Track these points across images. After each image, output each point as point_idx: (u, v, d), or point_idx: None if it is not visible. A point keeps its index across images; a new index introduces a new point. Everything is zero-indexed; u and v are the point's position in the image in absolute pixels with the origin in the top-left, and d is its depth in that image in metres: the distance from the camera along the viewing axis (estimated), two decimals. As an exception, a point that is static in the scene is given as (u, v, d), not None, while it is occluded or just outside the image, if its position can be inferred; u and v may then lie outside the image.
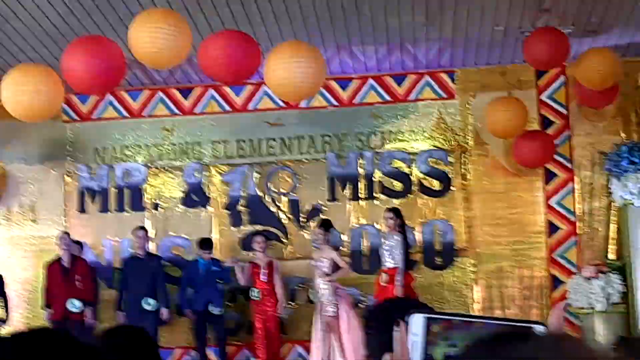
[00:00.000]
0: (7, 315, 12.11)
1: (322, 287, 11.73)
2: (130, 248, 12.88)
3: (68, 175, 13.50)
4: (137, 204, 13.37)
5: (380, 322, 1.96)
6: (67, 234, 12.44)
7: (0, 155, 13.58)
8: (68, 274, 12.05)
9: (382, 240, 12.01)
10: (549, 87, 13.03)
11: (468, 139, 13.11)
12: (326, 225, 12.06)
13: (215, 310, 12.19)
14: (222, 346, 12.34)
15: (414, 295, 11.26)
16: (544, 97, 13.02)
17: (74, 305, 11.85)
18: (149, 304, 12.05)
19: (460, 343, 1.32)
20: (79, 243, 12.67)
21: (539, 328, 1.35)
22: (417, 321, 1.32)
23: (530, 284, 12.70)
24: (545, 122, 12.94)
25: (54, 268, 12.12)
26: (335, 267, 11.77)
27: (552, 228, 12.79)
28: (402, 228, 11.71)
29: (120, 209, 13.40)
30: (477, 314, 12.11)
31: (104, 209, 13.42)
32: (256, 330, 12.16)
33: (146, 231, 12.58)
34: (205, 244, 12.46)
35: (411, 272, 11.80)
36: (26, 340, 1.25)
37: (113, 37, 10.34)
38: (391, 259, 11.50)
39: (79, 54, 9.50)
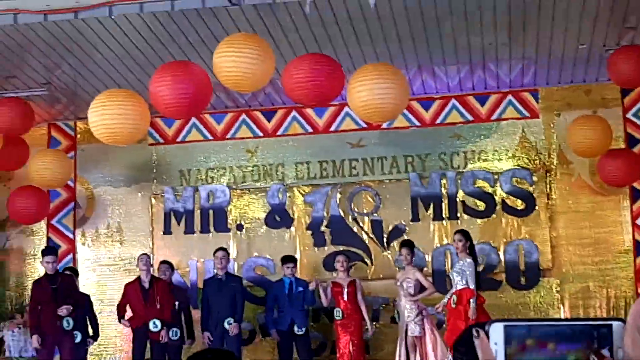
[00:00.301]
0: (96, 333, 12.33)
1: (407, 307, 11.71)
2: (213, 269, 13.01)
3: (154, 197, 13.71)
4: (222, 225, 13.51)
5: (469, 347, 1.97)
6: (147, 255, 12.60)
7: (89, 178, 13.86)
8: (147, 293, 12.20)
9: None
10: (635, 105, 12.86)
11: (552, 158, 13.00)
12: (409, 245, 12.03)
13: (299, 330, 12.24)
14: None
15: (487, 317, 11.15)
16: (629, 115, 12.85)
17: (156, 325, 11.99)
18: (230, 323, 12.13)
19: None
20: (169, 264, 12.80)
21: (617, 324, 1.36)
22: (496, 330, 1.35)
23: (617, 304, 12.51)
24: (631, 141, 12.76)
25: (134, 287, 12.30)
26: (420, 288, 11.75)
27: (638, 247, 12.59)
28: (471, 250, 11.61)
29: (205, 230, 13.55)
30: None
31: (189, 230, 13.58)
32: (339, 350, 12.17)
33: (227, 252, 12.68)
34: (288, 259, 12.52)
35: (480, 293, 11.65)
36: None
37: (198, 61, 10.51)
38: (462, 281, 11.39)
39: (166, 79, 9.66)
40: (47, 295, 11.62)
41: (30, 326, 11.84)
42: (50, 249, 12.40)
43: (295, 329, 12.21)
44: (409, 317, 11.67)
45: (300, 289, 12.36)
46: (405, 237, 12.70)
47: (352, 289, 12.20)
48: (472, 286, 11.25)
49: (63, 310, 11.56)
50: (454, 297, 11.34)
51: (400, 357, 11.76)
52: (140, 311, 12.18)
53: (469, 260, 11.41)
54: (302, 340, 12.30)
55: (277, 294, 12.43)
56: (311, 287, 12.30)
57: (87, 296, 12.52)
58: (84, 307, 12.18)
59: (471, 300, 11.16)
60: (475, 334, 1.28)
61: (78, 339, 11.88)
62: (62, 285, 11.71)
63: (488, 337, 1.32)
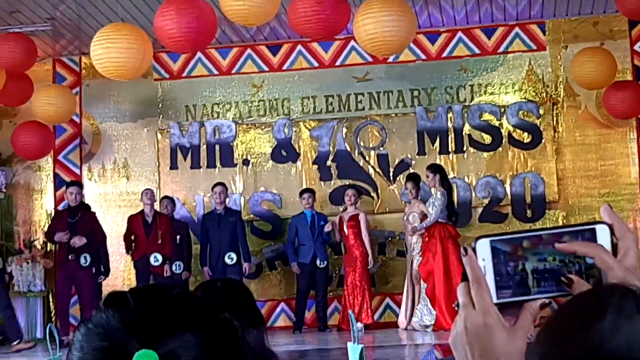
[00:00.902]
0: (107, 269, 12.40)
1: (413, 240, 11.77)
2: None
3: (160, 133, 13.71)
4: (228, 160, 13.53)
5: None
6: (151, 190, 12.68)
7: (94, 114, 13.85)
8: (150, 228, 12.29)
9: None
10: (643, 37, 12.79)
11: (559, 91, 12.97)
12: (415, 179, 12.06)
13: (322, 263, 12.33)
14: (325, 298, 12.47)
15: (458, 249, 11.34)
16: (637, 47, 12.78)
17: (157, 259, 12.11)
18: (231, 258, 12.22)
19: (549, 257, 1.37)
20: (171, 199, 12.89)
21: (600, 227, 1.38)
22: (483, 246, 1.37)
23: (623, 236, 12.53)
24: (638, 73, 12.71)
25: (137, 220, 12.43)
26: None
27: (645, 179, 12.62)
28: (444, 183, 11.67)
29: (211, 165, 13.57)
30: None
31: (195, 165, 13.61)
32: (345, 283, 12.28)
33: (225, 187, 12.71)
34: (305, 191, 12.57)
35: (453, 226, 11.74)
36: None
37: (203, -5, 10.41)
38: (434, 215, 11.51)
39: (171, 12, 9.62)
40: (63, 227, 11.66)
41: (48, 239, 12.02)
42: (75, 181, 12.59)
43: (318, 262, 12.30)
44: (414, 250, 11.74)
45: (322, 222, 12.42)
46: (412, 171, 12.72)
47: (353, 223, 12.25)
48: (433, 217, 11.44)
49: (75, 242, 11.67)
50: (414, 213, 11.52)
51: (407, 291, 11.86)
52: (142, 244, 12.32)
53: (439, 193, 11.52)
54: (322, 273, 12.39)
55: (298, 227, 12.48)
56: (327, 228, 12.36)
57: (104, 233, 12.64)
58: (102, 244, 12.26)
59: (423, 224, 11.44)
60: (462, 252, 1.30)
61: (94, 275, 11.94)
62: (80, 220, 11.74)
63: (476, 255, 1.34)
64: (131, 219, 12.53)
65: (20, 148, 12.83)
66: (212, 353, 1.24)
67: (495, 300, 1.32)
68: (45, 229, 12.94)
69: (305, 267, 12.38)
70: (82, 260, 11.66)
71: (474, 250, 1.34)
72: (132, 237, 12.48)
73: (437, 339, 10.12)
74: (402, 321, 11.85)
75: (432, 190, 11.74)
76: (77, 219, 11.78)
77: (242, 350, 1.29)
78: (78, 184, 12.47)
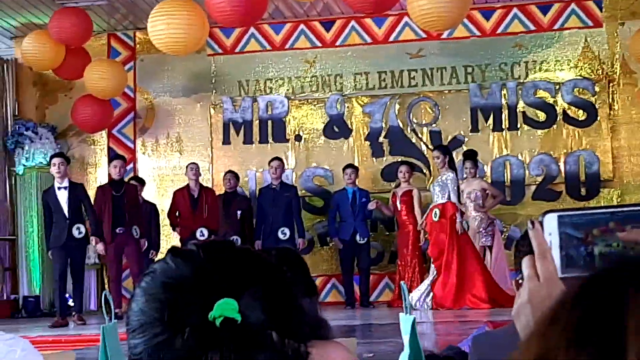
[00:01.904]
0: (157, 244, 12.48)
1: (476, 217, 11.70)
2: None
3: (213, 108, 13.78)
4: (280, 136, 13.57)
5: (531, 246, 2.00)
6: (196, 163, 12.67)
7: (148, 89, 13.96)
8: (196, 202, 12.31)
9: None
10: (702, 13, 12.57)
11: (615, 68, 12.81)
12: (473, 157, 11.98)
13: (362, 240, 12.34)
14: (366, 275, 12.48)
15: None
16: (696, 23, 12.57)
17: (202, 234, 12.11)
18: (284, 233, 12.26)
19: (614, 244, 1.37)
20: (234, 174, 12.81)
21: None
22: (550, 220, 1.37)
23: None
24: (697, 50, 12.49)
25: (182, 195, 12.40)
26: (486, 197, 11.78)
27: (702, 159, 12.45)
28: (451, 164, 11.56)
29: (264, 140, 13.62)
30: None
31: (248, 140, 13.66)
32: (399, 258, 12.26)
33: (282, 162, 12.73)
34: (348, 166, 12.55)
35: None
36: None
37: (257, -30, 10.42)
38: (444, 195, 11.37)
39: (225, -13, 9.63)
40: (108, 201, 11.72)
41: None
42: (119, 155, 12.65)
43: (358, 238, 12.32)
44: (480, 227, 11.69)
45: (364, 199, 12.42)
46: (465, 148, 12.65)
47: (406, 198, 12.21)
48: (454, 200, 11.28)
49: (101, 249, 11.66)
50: (437, 210, 11.36)
51: None
52: (188, 219, 12.26)
53: (452, 174, 11.40)
54: (363, 249, 12.41)
55: (339, 203, 12.50)
56: (371, 207, 12.36)
57: (153, 205, 12.69)
58: (148, 217, 12.32)
59: (457, 215, 11.19)
60: (530, 225, 1.30)
61: (144, 248, 11.94)
62: (124, 194, 11.82)
63: (542, 229, 1.34)
64: (176, 194, 12.52)
65: (79, 121, 12.98)
66: (278, 304, 1.25)
67: (560, 275, 1.33)
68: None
69: (345, 242, 12.40)
70: (134, 233, 11.69)
71: (540, 224, 1.35)
72: (177, 214, 12.47)
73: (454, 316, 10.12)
74: None
75: (441, 170, 11.59)
76: (122, 192, 11.79)
77: (301, 304, 1.30)
78: (122, 157, 12.47)
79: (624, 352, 0.76)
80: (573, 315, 0.81)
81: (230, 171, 12.87)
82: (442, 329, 8.99)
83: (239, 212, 12.44)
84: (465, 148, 12.74)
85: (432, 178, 13.02)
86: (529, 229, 1.33)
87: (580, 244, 1.35)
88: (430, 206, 11.54)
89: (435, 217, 11.38)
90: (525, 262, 1.32)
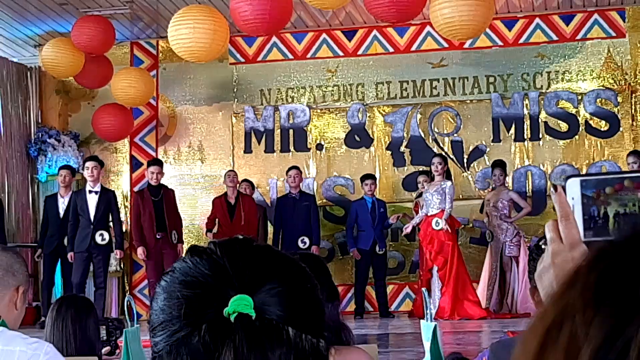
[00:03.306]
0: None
1: (504, 228, 11.68)
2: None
3: (235, 116, 13.81)
4: (301, 145, 13.58)
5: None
6: (234, 171, 12.70)
7: (170, 97, 14.01)
8: (234, 209, 12.30)
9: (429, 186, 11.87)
10: None
11: (638, 79, 12.75)
12: (502, 165, 11.97)
13: (380, 250, 12.32)
14: (383, 285, 12.45)
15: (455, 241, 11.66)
16: None
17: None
18: (304, 242, 12.25)
19: (630, 203, 1.37)
20: (250, 182, 12.89)
21: None
22: (573, 184, 1.38)
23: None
24: None
25: (220, 202, 12.38)
26: (513, 207, 11.78)
27: None
28: (447, 174, 11.58)
29: (285, 149, 13.64)
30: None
31: (269, 149, 13.68)
32: (420, 266, 12.21)
33: (299, 170, 12.73)
34: (367, 176, 12.52)
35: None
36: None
37: (280, -21, 10.45)
38: (443, 202, 11.38)
39: (247, -4, 9.67)
40: (148, 206, 11.69)
41: (135, 238, 11.95)
42: (156, 159, 12.59)
43: (377, 248, 12.29)
44: (506, 237, 11.66)
45: (382, 209, 12.40)
46: (487, 158, 12.64)
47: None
48: (447, 206, 11.33)
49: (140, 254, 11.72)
50: (438, 219, 11.34)
51: (491, 277, 11.75)
52: (226, 227, 12.23)
53: (449, 182, 11.47)
54: (380, 259, 12.39)
55: (358, 212, 12.48)
56: (392, 221, 12.34)
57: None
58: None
59: (441, 220, 11.28)
60: (552, 189, 1.31)
61: (181, 254, 11.95)
62: (162, 199, 11.79)
63: (565, 193, 1.36)
64: (215, 202, 12.50)
65: (100, 130, 13.05)
66: (296, 300, 1.26)
67: (583, 239, 1.33)
68: (123, 210, 13.11)
69: (364, 252, 12.37)
70: (173, 238, 11.67)
71: (563, 188, 1.37)
72: (216, 221, 12.46)
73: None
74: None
75: (437, 177, 11.58)
76: (160, 197, 11.78)
77: (321, 301, 1.31)
78: (159, 162, 12.39)
79: (638, 312, 0.77)
80: (590, 278, 0.81)
81: (245, 180, 12.89)
82: (465, 338, 8.97)
83: None
84: (487, 158, 12.75)
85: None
86: (551, 193, 1.35)
87: (591, 203, 1.36)
88: (426, 213, 11.51)
89: (436, 226, 11.38)
90: (548, 226, 1.34)
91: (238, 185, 12.66)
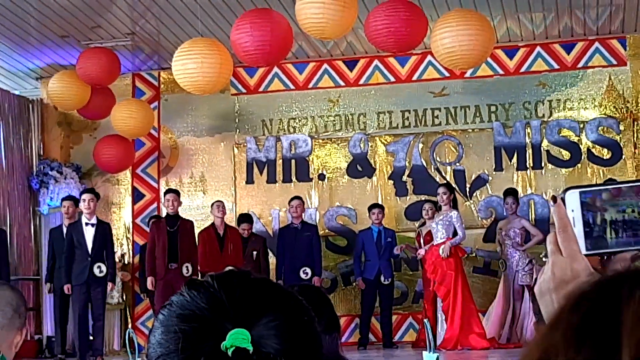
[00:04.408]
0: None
1: (516, 256, 11.65)
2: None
3: (236, 147, 13.81)
4: (304, 175, 13.57)
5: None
6: (221, 201, 12.55)
7: (172, 128, 14.01)
8: (222, 241, 12.13)
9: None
10: None
11: (640, 107, 12.76)
12: (514, 194, 11.96)
13: (386, 280, 12.26)
14: (388, 315, 12.39)
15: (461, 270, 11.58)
16: None
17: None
18: (306, 273, 12.21)
19: (628, 209, 1.35)
20: (248, 221, 12.72)
21: None
22: (572, 196, 1.36)
23: None
24: None
25: (208, 234, 12.17)
26: (524, 236, 11.75)
27: None
28: (454, 203, 11.59)
29: (287, 179, 13.62)
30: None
31: (271, 179, 13.67)
32: (424, 296, 12.15)
33: (302, 201, 12.70)
34: (374, 206, 12.50)
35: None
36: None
37: (279, 10, 10.48)
38: (449, 233, 11.37)
39: (246, 26, 9.71)
40: (163, 236, 11.49)
41: (147, 268, 11.69)
42: (172, 189, 12.34)
43: (382, 278, 12.23)
44: (519, 266, 11.62)
45: (389, 239, 12.36)
46: (489, 187, 12.62)
47: (431, 238, 12.15)
48: (460, 234, 11.38)
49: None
50: (443, 247, 11.32)
51: (504, 306, 11.68)
52: (214, 258, 11.92)
53: (456, 212, 11.49)
54: (386, 289, 12.33)
55: (365, 242, 12.44)
56: (396, 251, 12.29)
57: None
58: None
59: (448, 243, 11.28)
60: (551, 202, 1.30)
61: None
62: (179, 229, 11.58)
63: (565, 205, 1.35)
64: (203, 235, 12.18)
65: (102, 161, 13.05)
66: (294, 333, 1.24)
67: (584, 252, 1.32)
68: (125, 241, 13.08)
69: (369, 282, 12.31)
70: (185, 271, 11.38)
71: (563, 200, 1.36)
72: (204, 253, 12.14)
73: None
74: (490, 334, 11.60)
75: (444, 207, 11.56)
76: (176, 228, 11.60)
77: (319, 334, 1.29)
78: (175, 191, 12.13)
79: (619, 353, 0.78)
80: (573, 319, 0.83)
81: (245, 221, 12.62)
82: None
83: (254, 253, 12.38)
84: (489, 187, 12.73)
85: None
86: (550, 206, 1.35)
87: (588, 210, 1.34)
88: (432, 243, 11.48)
89: (442, 252, 11.37)
90: (549, 239, 1.33)
91: (236, 223, 12.54)
